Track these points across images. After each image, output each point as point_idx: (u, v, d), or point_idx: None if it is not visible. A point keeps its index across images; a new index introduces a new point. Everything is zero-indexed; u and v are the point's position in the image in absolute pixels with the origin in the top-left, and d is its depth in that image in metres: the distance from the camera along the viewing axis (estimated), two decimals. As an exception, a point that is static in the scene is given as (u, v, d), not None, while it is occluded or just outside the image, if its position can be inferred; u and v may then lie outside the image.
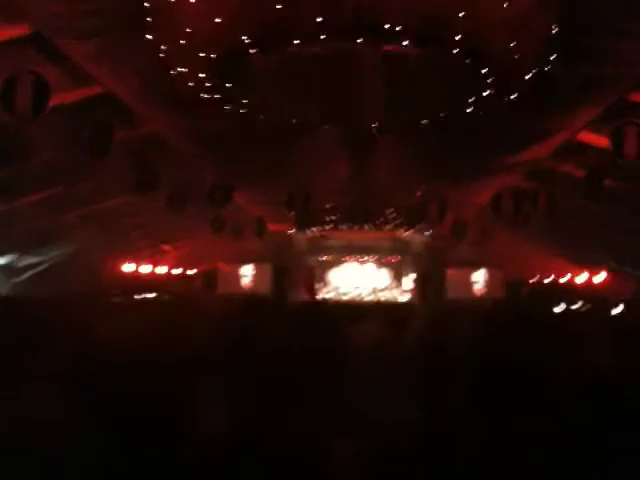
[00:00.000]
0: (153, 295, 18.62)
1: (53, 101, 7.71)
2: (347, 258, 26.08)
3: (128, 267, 19.97)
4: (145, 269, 20.86)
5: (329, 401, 2.10)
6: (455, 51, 7.09)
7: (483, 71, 7.61)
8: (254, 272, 24.99)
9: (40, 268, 16.37)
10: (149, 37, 7.11)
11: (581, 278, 20.40)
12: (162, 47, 7.35)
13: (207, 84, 8.20)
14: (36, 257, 15.98)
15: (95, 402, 2.01)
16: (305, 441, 1.88)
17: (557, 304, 18.49)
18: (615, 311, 15.75)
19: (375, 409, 2.05)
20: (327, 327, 3.62)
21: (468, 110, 8.62)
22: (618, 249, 16.27)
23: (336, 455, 1.83)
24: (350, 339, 3.32)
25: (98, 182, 12.46)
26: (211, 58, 7.54)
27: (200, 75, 8.00)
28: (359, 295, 25.44)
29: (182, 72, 7.89)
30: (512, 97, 8.24)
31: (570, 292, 20.33)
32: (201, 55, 7.48)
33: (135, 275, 20.26)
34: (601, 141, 9.85)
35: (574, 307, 18.93)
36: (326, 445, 1.87)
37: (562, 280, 21.69)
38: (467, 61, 7.34)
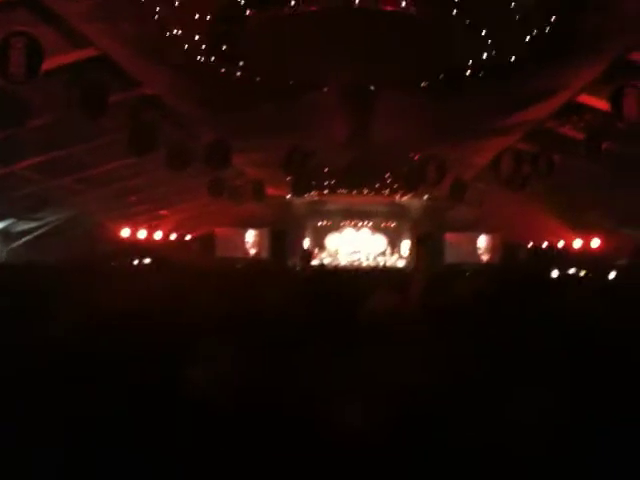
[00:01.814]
0: (149, 260, 18.65)
1: (48, 64, 7.63)
2: (345, 223, 26.06)
3: (125, 232, 19.98)
4: (142, 234, 20.87)
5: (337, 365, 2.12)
6: (455, 12, 7.00)
7: (483, 32, 7.51)
8: (252, 237, 25.01)
9: (36, 233, 16.37)
10: (144, -1, 7.00)
11: (578, 241, 20.44)
12: (157, 8, 7.24)
13: (203, 46, 8.11)
14: (32, 222, 15.97)
15: (95, 368, 2.01)
16: (314, 403, 1.89)
17: (554, 268, 18.57)
18: (611, 275, 15.83)
19: (381, 374, 2.06)
20: (326, 294, 3.64)
21: (468, 72, 8.54)
22: (617, 210, 16.31)
23: (344, 417, 1.84)
24: (350, 305, 3.33)
25: (95, 146, 12.39)
26: (206, 20, 7.44)
27: (196, 37, 7.90)
28: (357, 260, 25.49)
29: (178, 34, 7.78)
30: (512, 58, 8.16)
31: (567, 256, 20.41)
32: (196, 17, 7.38)
33: (132, 240, 20.27)
34: (601, 103, 9.79)
35: (570, 272, 19.01)
36: (335, 407, 1.88)
37: (560, 243, 21.74)
38: (467, 21, 7.25)
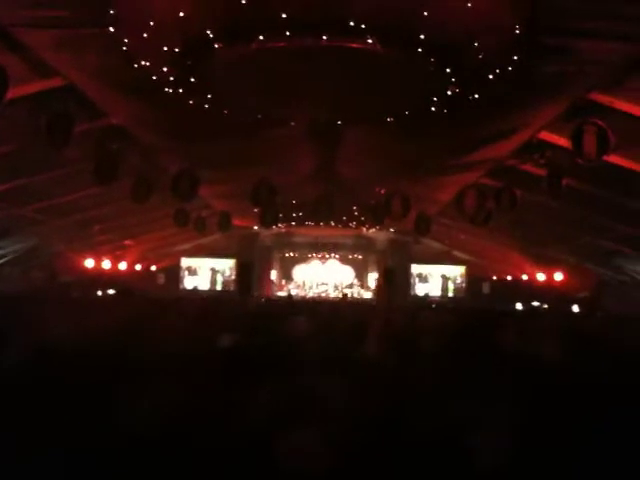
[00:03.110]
0: (112, 292, 18.45)
1: (13, 92, 7.55)
2: (312, 255, 26.12)
3: (89, 262, 19.72)
4: (106, 264, 20.61)
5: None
6: (420, 50, 7.12)
7: (447, 70, 7.65)
8: (218, 267, 24.89)
9: (-1, 262, 16.07)
10: (112, 29, 6.99)
11: (541, 275, 20.73)
12: (125, 40, 7.24)
13: (170, 77, 8.11)
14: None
15: (46, 396, 1.98)
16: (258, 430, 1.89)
17: (518, 302, 18.83)
18: (573, 309, 16.09)
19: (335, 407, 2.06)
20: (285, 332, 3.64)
21: (432, 108, 8.67)
22: (579, 245, 16.59)
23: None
24: (311, 340, 3.33)
25: (58, 175, 12.27)
26: (175, 52, 7.45)
27: (163, 69, 7.90)
28: (324, 292, 25.51)
29: (145, 65, 7.78)
30: (475, 96, 8.32)
31: (531, 289, 20.67)
32: (164, 49, 7.39)
33: (96, 270, 20.01)
34: (562, 140, 10.00)
35: (534, 304, 19.27)
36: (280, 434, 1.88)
37: (523, 277, 22.02)
38: (431, 60, 7.37)
